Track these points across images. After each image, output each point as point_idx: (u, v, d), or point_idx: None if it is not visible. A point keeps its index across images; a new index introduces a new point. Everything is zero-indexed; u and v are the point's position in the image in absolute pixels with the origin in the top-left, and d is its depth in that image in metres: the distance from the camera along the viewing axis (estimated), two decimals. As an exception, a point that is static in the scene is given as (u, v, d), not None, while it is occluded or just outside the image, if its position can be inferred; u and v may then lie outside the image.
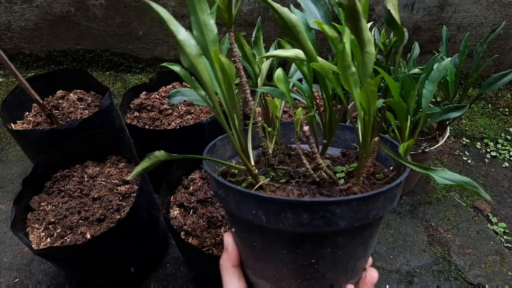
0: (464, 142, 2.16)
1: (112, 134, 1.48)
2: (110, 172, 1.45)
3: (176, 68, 0.53)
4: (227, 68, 0.50)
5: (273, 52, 0.60)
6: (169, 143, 1.57)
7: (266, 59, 0.70)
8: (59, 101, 1.85)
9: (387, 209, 0.54)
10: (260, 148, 0.68)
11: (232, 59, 0.60)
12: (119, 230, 1.21)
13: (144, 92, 1.86)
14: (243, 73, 0.64)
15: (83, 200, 1.35)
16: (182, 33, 0.47)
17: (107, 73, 2.83)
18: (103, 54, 2.78)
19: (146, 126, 1.67)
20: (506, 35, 2.35)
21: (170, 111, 1.72)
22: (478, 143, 2.15)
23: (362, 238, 0.56)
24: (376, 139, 0.56)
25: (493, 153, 2.07)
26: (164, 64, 0.66)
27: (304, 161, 0.59)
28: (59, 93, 1.90)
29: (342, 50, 0.49)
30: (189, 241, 1.17)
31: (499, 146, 2.11)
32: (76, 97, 1.86)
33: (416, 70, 1.53)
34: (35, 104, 1.79)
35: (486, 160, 2.04)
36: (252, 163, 0.61)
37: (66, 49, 2.79)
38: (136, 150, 1.53)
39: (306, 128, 0.55)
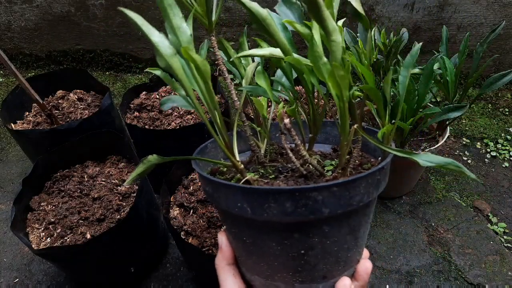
0: (464, 142, 2.16)
1: (112, 134, 1.48)
2: (110, 172, 1.46)
3: (157, 72, 0.55)
4: (201, 65, 0.51)
5: (248, 51, 0.62)
6: (169, 143, 1.58)
7: (253, 61, 0.71)
8: (59, 101, 1.86)
9: (372, 195, 0.54)
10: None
11: (216, 62, 0.63)
12: (119, 230, 1.21)
13: (144, 92, 1.86)
14: (227, 75, 0.65)
15: (83, 200, 1.35)
16: (156, 35, 0.48)
17: (107, 73, 2.83)
18: (103, 54, 2.79)
19: (146, 126, 1.68)
20: (506, 35, 2.35)
21: (170, 111, 1.72)
22: (478, 143, 2.15)
23: (349, 227, 0.56)
24: (355, 126, 0.57)
25: (493, 153, 2.07)
26: (147, 69, 0.68)
27: (290, 154, 0.59)
28: (59, 93, 1.90)
29: (311, 41, 0.51)
30: (189, 241, 1.17)
31: (499, 146, 2.12)
32: (76, 97, 1.87)
33: (416, 70, 1.53)
34: (35, 104, 1.79)
35: (486, 160, 2.04)
36: (238, 158, 0.62)
37: (66, 49, 2.79)
38: (136, 150, 1.53)
39: (286, 120, 0.55)
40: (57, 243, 1.23)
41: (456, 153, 2.09)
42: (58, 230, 1.26)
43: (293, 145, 0.58)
